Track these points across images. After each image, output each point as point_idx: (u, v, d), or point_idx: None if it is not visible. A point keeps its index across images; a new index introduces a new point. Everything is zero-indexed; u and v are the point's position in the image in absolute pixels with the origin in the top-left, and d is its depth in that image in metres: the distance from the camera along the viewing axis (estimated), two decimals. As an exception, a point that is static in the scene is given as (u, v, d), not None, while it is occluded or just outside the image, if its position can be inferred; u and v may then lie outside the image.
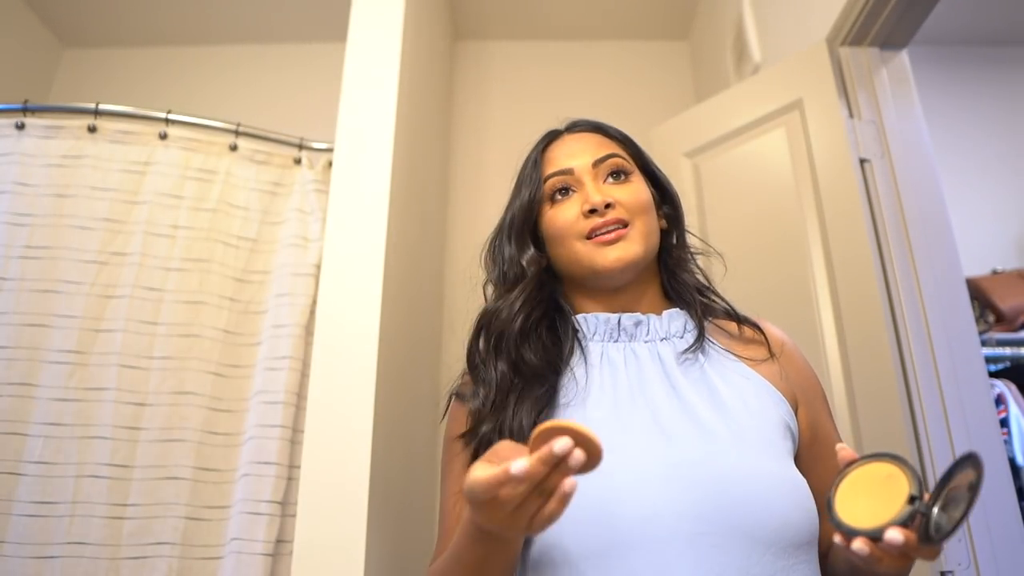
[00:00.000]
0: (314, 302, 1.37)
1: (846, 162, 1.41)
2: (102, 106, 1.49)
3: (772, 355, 0.79)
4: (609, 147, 0.83)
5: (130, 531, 1.23)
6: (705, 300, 0.82)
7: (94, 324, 1.35)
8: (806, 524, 0.65)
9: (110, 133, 1.47)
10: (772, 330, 0.84)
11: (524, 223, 0.83)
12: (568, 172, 0.81)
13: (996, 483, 1.21)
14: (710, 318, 0.81)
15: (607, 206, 0.76)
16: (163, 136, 1.49)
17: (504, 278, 0.83)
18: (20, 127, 1.45)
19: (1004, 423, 1.87)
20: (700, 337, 0.78)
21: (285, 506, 1.26)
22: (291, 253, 1.43)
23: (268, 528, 1.22)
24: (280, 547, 1.24)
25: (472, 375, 0.81)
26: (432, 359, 2.00)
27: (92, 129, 1.47)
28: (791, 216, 1.51)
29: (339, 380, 1.22)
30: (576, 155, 0.82)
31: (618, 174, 0.81)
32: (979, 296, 2.18)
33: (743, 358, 0.78)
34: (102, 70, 2.62)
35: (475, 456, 0.73)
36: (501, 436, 0.72)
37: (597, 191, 0.78)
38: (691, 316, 0.81)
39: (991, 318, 2.17)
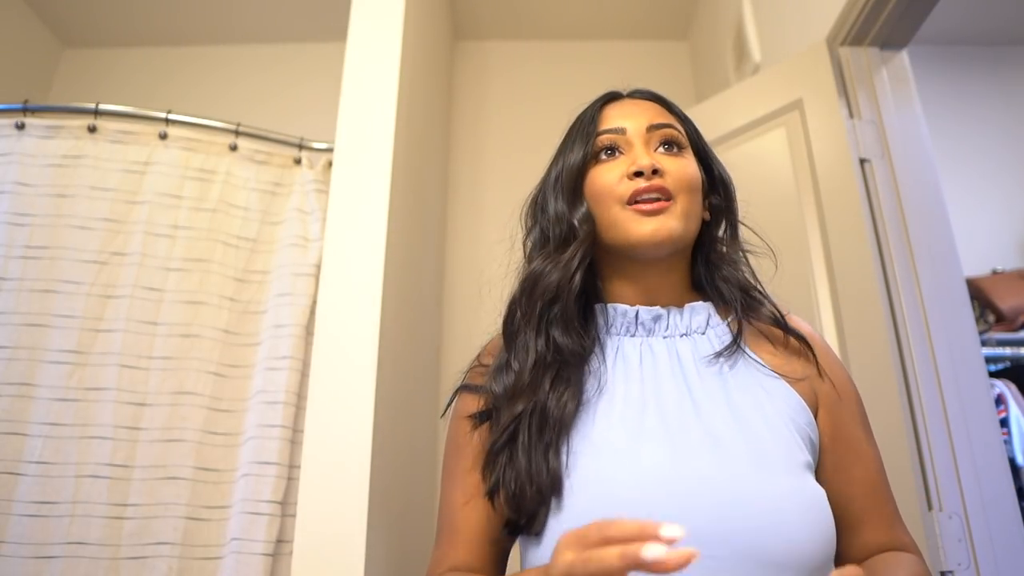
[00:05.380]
0: (314, 302, 1.37)
1: (846, 162, 1.41)
2: (102, 106, 1.49)
3: (821, 375, 0.74)
4: (667, 117, 0.79)
5: (130, 531, 1.23)
6: (748, 303, 0.76)
7: (94, 324, 1.34)
8: (821, 546, 0.61)
9: (110, 133, 1.47)
10: (804, 327, 0.79)
11: (576, 179, 0.77)
12: (620, 131, 0.77)
13: (996, 483, 1.21)
14: (749, 319, 0.76)
15: (654, 171, 0.72)
16: (163, 136, 1.49)
17: (547, 237, 0.78)
18: (20, 127, 1.45)
19: (1004, 423, 1.87)
20: (734, 342, 0.73)
21: (285, 506, 1.26)
22: (291, 253, 1.43)
23: (268, 528, 1.22)
24: (280, 547, 1.24)
25: (506, 342, 0.76)
26: (432, 359, 2.00)
27: (92, 129, 1.47)
28: (791, 216, 1.51)
29: (339, 380, 1.22)
30: (631, 116, 0.78)
31: (671, 145, 0.77)
32: (979, 296, 2.18)
33: (770, 365, 0.73)
34: (102, 70, 2.62)
35: (503, 435, 0.69)
36: (535, 416, 0.69)
37: (646, 154, 0.74)
38: (716, 311, 0.77)
39: (991, 318, 2.17)
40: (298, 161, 1.53)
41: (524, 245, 0.82)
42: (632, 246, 0.73)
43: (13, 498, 1.22)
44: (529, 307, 0.74)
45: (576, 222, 0.75)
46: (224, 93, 2.57)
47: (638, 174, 0.72)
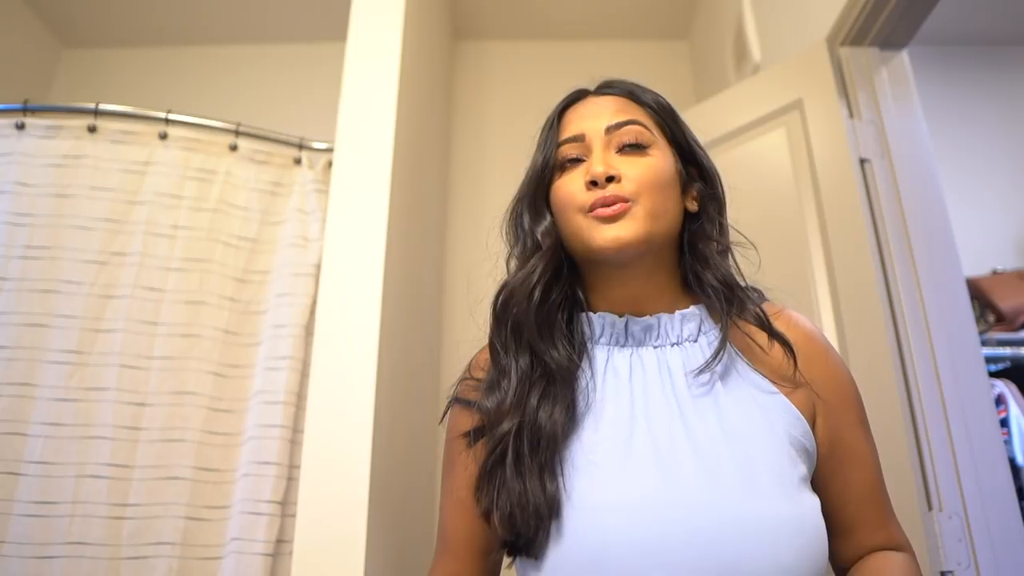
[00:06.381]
0: (314, 302, 1.37)
1: (846, 162, 1.41)
2: (102, 106, 1.49)
3: (796, 379, 0.70)
4: (629, 112, 0.75)
5: (130, 531, 1.23)
6: (731, 300, 0.72)
7: (94, 324, 1.34)
8: (811, 569, 0.60)
9: (110, 133, 1.47)
10: (802, 325, 0.75)
11: (537, 190, 0.76)
12: (579, 139, 0.74)
13: (996, 483, 1.21)
14: (736, 320, 0.72)
15: (609, 179, 0.69)
16: (163, 136, 1.49)
17: (524, 247, 0.76)
18: (20, 127, 1.45)
19: (1004, 423, 1.87)
20: (719, 351, 0.69)
21: (285, 506, 1.26)
22: (291, 253, 1.43)
23: (268, 528, 1.22)
24: (280, 547, 1.24)
25: (492, 359, 0.75)
26: (432, 359, 2.00)
27: (92, 129, 1.47)
28: (791, 216, 1.51)
29: (339, 380, 1.22)
30: (591, 119, 0.75)
31: (635, 145, 0.73)
32: (979, 296, 2.18)
33: (763, 373, 0.71)
34: (102, 70, 2.62)
35: (492, 457, 0.69)
36: (525, 433, 0.67)
37: (601, 161, 0.71)
38: (708, 316, 0.74)
39: (991, 318, 2.17)
40: (298, 161, 1.53)
41: (507, 263, 0.79)
42: (595, 253, 0.71)
43: (13, 498, 1.22)
44: (504, 322, 0.73)
45: (539, 235, 0.74)
46: (224, 93, 2.57)
47: (593, 183, 0.70)
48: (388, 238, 1.33)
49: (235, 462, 1.31)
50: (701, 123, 1.76)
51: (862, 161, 1.43)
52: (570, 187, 0.72)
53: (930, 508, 1.19)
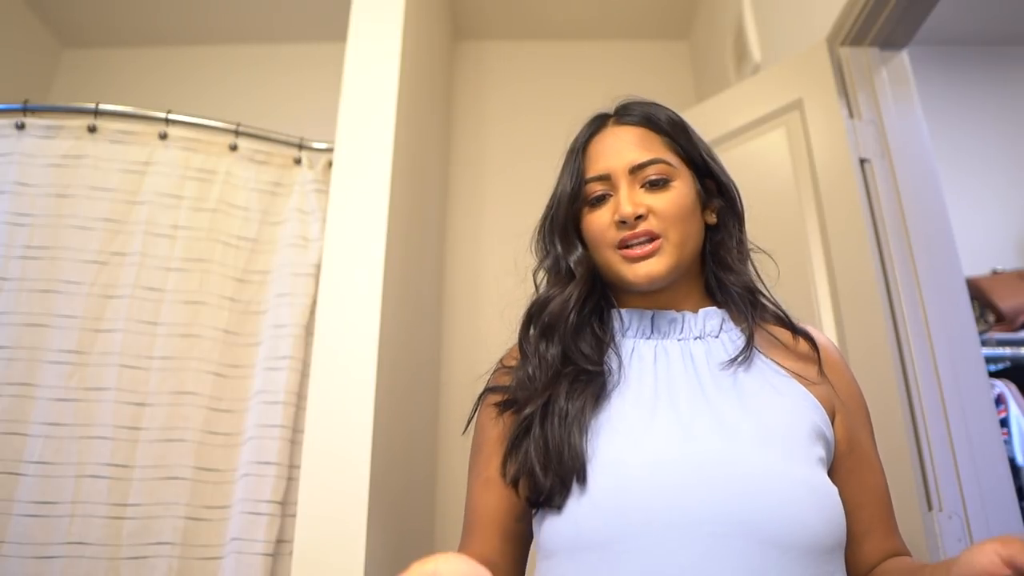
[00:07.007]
0: (314, 302, 1.37)
1: (846, 162, 1.41)
2: (102, 106, 1.49)
3: (822, 373, 0.75)
4: (653, 148, 0.79)
5: (130, 531, 1.23)
6: (755, 304, 0.78)
7: (94, 324, 1.34)
8: (829, 531, 0.63)
9: (110, 133, 1.47)
10: (820, 336, 0.80)
11: (567, 220, 0.81)
12: (605, 178, 0.78)
13: (996, 483, 1.21)
14: (757, 321, 0.77)
15: (638, 217, 0.75)
16: (163, 136, 1.49)
17: (557, 268, 0.82)
18: (20, 127, 1.45)
19: (1004, 423, 1.87)
20: (748, 346, 0.74)
21: (285, 506, 1.26)
22: (291, 253, 1.43)
23: (268, 528, 1.22)
24: (280, 547, 1.24)
25: (522, 357, 0.80)
26: (432, 358, 2.00)
27: (92, 129, 1.47)
28: (791, 216, 1.51)
29: (339, 380, 1.22)
30: (616, 156, 0.79)
31: (656, 181, 0.77)
32: (979, 296, 2.18)
33: (784, 367, 0.75)
34: (102, 70, 2.62)
35: (519, 430, 0.73)
36: (549, 418, 0.71)
37: (629, 201, 0.75)
38: (730, 317, 0.79)
39: (991, 318, 2.17)
40: (298, 161, 1.53)
41: (535, 276, 0.85)
42: (628, 286, 0.77)
43: (13, 498, 1.22)
44: (536, 330, 0.79)
45: (572, 264, 0.80)
46: (224, 93, 2.57)
47: (623, 222, 0.75)
48: (388, 238, 1.33)
49: (235, 462, 1.31)
50: (701, 123, 1.76)
51: (862, 161, 1.43)
52: (601, 222, 0.78)
53: (930, 508, 1.19)
